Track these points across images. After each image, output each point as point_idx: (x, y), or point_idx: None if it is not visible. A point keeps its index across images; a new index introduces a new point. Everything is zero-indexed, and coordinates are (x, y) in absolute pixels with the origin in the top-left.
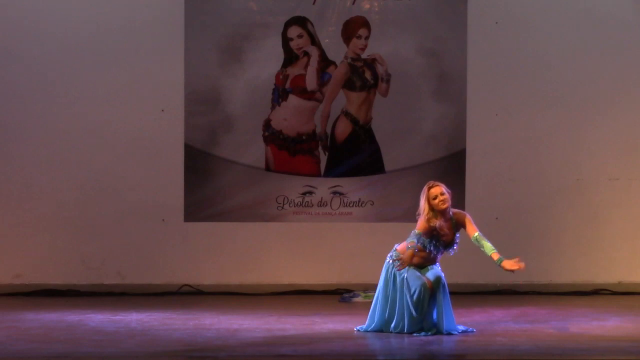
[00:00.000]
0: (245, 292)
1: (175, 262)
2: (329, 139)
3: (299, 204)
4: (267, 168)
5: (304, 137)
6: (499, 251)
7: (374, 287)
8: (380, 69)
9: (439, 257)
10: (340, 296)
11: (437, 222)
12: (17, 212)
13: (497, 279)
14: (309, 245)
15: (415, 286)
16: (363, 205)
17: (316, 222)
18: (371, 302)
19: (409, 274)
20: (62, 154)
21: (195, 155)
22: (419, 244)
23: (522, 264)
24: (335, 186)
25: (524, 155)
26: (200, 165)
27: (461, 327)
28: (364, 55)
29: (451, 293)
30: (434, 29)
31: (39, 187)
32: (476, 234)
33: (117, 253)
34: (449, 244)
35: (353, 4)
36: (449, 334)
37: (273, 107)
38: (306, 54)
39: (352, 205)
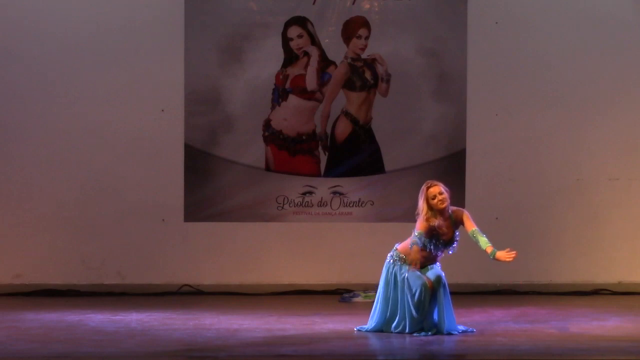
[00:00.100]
0: (245, 292)
1: (175, 262)
2: (329, 139)
3: (299, 204)
4: (267, 168)
5: (304, 137)
6: (499, 250)
7: (374, 287)
8: (380, 69)
9: (440, 256)
10: (340, 296)
11: (436, 221)
12: (17, 212)
13: (497, 279)
14: (309, 245)
15: (415, 286)
16: (363, 205)
17: (316, 222)
18: (371, 302)
19: (410, 274)
20: (62, 154)
21: (195, 155)
22: (418, 244)
23: (514, 253)
24: (335, 186)
25: (524, 155)
26: (200, 165)
27: (461, 327)
28: (364, 55)
29: (451, 293)
30: (434, 29)
31: (39, 187)
32: (473, 229)
33: (117, 253)
34: (449, 243)
35: (353, 4)
36: (449, 334)
37: (273, 107)
38: (306, 54)
39: (352, 205)
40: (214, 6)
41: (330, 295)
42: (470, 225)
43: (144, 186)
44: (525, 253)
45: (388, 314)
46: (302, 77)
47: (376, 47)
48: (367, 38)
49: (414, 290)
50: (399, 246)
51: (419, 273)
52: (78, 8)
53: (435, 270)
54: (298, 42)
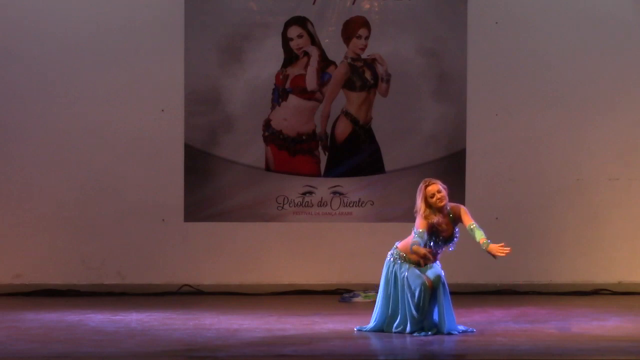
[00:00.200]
0: (245, 292)
1: (175, 262)
2: (329, 139)
3: (299, 204)
4: (267, 168)
5: (304, 137)
6: (504, 246)
7: (374, 287)
8: (380, 69)
9: (440, 253)
10: (340, 296)
11: (435, 219)
12: (17, 212)
13: (497, 279)
14: (309, 245)
15: (415, 285)
16: (363, 205)
17: (316, 222)
18: (371, 302)
19: (410, 273)
20: (62, 154)
21: (195, 155)
22: (420, 243)
23: (508, 249)
24: (335, 186)
25: (524, 155)
26: (200, 165)
27: (461, 327)
28: (364, 55)
29: (451, 293)
30: (434, 29)
31: (39, 187)
32: (471, 223)
33: (117, 253)
34: (448, 239)
35: (353, 4)
36: (450, 333)
37: (273, 107)
38: (306, 54)
39: (352, 205)
40: (214, 6)
41: (330, 295)
42: (468, 220)
43: (144, 186)
44: (525, 253)
45: (389, 313)
46: (302, 77)
47: (376, 47)
48: (367, 38)
49: (413, 289)
50: (399, 244)
51: (418, 272)
52: (78, 8)
53: (435, 269)
54: (298, 42)
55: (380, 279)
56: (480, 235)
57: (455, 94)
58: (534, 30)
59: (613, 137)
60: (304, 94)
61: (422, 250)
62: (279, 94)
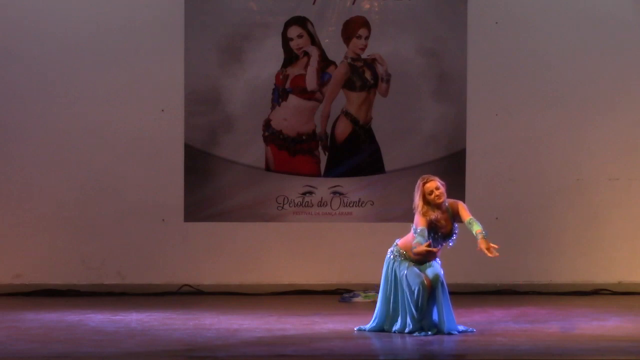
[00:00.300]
0: (245, 292)
1: (175, 262)
2: (329, 139)
3: (299, 204)
4: (267, 168)
5: (304, 137)
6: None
7: (374, 287)
8: (380, 69)
9: (439, 249)
10: (340, 296)
11: (433, 215)
12: (17, 212)
13: (497, 279)
14: (309, 245)
15: (414, 284)
16: (363, 205)
17: (316, 222)
18: (371, 302)
19: (409, 272)
20: (62, 154)
21: (195, 155)
22: (422, 242)
23: (492, 254)
24: (335, 186)
25: (524, 155)
26: (200, 165)
27: (461, 327)
28: (364, 55)
29: (451, 293)
30: (434, 29)
31: (39, 187)
32: (469, 218)
33: (117, 253)
34: (447, 236)
35: (353, 4)
36: (450, 334)
37: (273, 107)
38: (306, 54)
39: (352, 205)
40: (214, 6)
41: (330, 295)
42: (466, 215)
43: (144, 186)
44: (525, 253)
45: (389, 312)
46: (302, 77)
47: (376, 47)
48: (367, 38)
49: (413, 288)
50: (399, 241)
51: (417, 271)
52: (78, 8)
53: (435, 268)
54: (298, 42)
55: (380, 278)
56: (477, 228)
57: (455, 94)
58: (534, 30)
59: (613, 137)
60: (304, 94)
61: (423, 247)
62: (279, 94)
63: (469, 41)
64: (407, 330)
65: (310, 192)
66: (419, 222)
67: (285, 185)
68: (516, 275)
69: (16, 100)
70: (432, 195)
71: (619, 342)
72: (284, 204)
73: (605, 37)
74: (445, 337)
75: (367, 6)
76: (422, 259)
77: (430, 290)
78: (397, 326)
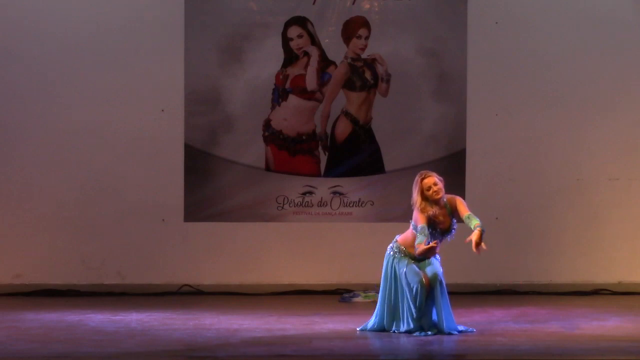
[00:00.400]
0: (245, 292)
1: (175, 262)
2: (329, 139)
3: (299, 204)
4: (267, 168)
5: (304, 137)
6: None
7: (374, 287)
8: (380, 69)
9: (439, 244)
10: (340, 296)
11: (432, 211)
12: (17, 212)
13: (497, 279)
14: (309, 245)
15: (413, 283)
16: (363, 205)
17: (316, 222)
18: (371, 302)
19: (408, 269)
20: (62, 154)
21: (195, 155)
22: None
23: (477, 251)
24: (335, 186)
25: (524, 155)
26: (200, 165)
27: (461, 327)
28: (364, 55)
29: (451, 293)
30: (434, 29)
31: (39, 187)
32: (467, 214)
33: (117, 253)
34: (446, 231)
35: (353, 4)
36: (450, 333)
37: (273, 107)
38: (306, 54)
39: (352, 205)
40: (214, 6)
41: (330, 295)
42: (464, 211)
43: (144, 186)
44: (525, 253)
45: (389, 310)
46: (302, 77)
47: (376, 47)
48: (367, 38)
49: (412, 287)
50: (399, 238)
51: (417, 269)
52: (78, 8)
53: (434, 266)
54: (298, 42)
55: (380, 278)
56: (475, 222)
57: (455, 94)
58: (534, 30)
59: (613, 137)
60: (304, 94)
61: (425, 247)
62: (279, 94)
63: (469, 41)
64: (406, 329)
65: (310, 192)
66: (418, 219)
67: (285, 185)
68: (516, 275)
69: (16, 100)
70: (430, 191)
71: (619, 342)
72: (284, 204)
73: (605, 37)
74: (445, 337)
75: (367, 6)
76: (422, 256)
77: (428, 289)
78: (396, 325)
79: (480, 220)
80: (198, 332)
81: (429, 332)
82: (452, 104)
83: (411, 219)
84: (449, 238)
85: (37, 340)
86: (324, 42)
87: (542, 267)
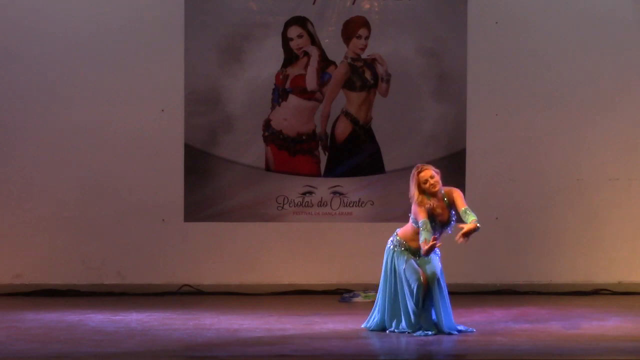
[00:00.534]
0: (245, 292)
1: (175, 262)
2: (329, 139)
3: (299, 204)
4: (267, 168)
5: (304, 137)
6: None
7: (374, 287)
8: (380, 69)
9: (439, 237)
10: (340, 296)
11: (429, 204)
12: (17, 212)
13: (497, 279)
14: (309, 245)
15: (412, 281)
16: (363, 205)
17: (316, 222)
18: (371, 302)
19: (407, 266)
20: (62, 154)
21: (195, 155)
22: (428, 232)
23: (459, 240)
24: (335, 186)
25: (524, 155)
26: (200, 165)
27: (461, 327)
28: (364, 55)
29: (451, 293)
30: (434, 29)
31: (39, 187)
32: (464, 208)
33: (117, 253)
34: (445, 223)
35: (353, 4)
36: (449, 333)
37: (273, 107)
38: (306, 54)
39: (352, 205)
40: (214, 6)
41: (330, 295)
42: (462, 205)
43: (144, 186)
44: (525, 253)
45: (390, 306)
46: (302, 77)
47: (376, 47)
48: (367, 38)
49: (411, 285)
50: (399, 231)
51: (416, 266)
52: (78, 8)
53: (433, 264)
54: (298, 42)
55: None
56: (472, 217)
57: (455, 94)
58: (534, 30)
59: (613, 137)
60: (304, 94)
61: (428, 247)
62: (279, 94)
63: (469, 41)
64: (406, 327)
65: (310, 192)
66: (418, 213)
67: (285, 185)
68: (516, 275)
69: (16, 100)
70: (427, 184)
71: (619, 342)
72: (284, 204)
73: (605, 37)
74: (445, 337)
75: (367, 6)
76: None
77: (426, 287)
78: (396, 323)
79: (477, 217)
80: (198, 332)
81: (429, 332)
82: (452, 104)
83: (410, 212)
84: (449, 230)
85: (37, 340)
86: (324, 42)
87: (542, 267)
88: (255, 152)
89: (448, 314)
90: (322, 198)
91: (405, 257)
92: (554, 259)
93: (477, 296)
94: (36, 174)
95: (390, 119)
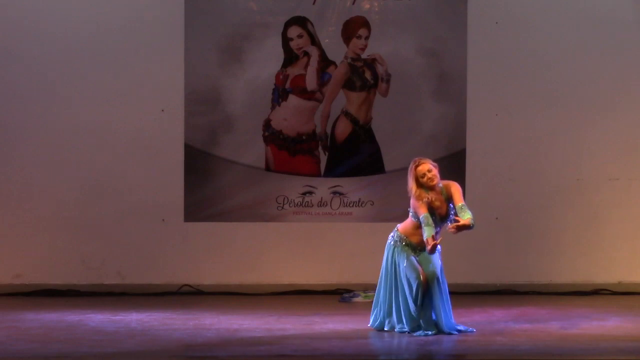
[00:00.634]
0: (245, 292)
1: (175, 262)
2: (329, 139)
3: (299, 204)
4: (267, 168)
5: (304, 137)
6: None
7: (374, 287)
8: (380, 69)
9: (438, 231)
10: (340, 296)
11: (427, 197)
12: (17, 212)
13: (497, 279)
14: (309, 245)
15: (412, 279)
16: (363, 205)
17: (316, 222)
18: (371, 302)
19: (408, 265)
20: (62, 154)
21: (195, 155)
22: (431, 227)
23: (452, 229)
24: (335, 186)
25: (524, 155)
26: (200, 165)
27: (461, 327)
28: (364, 55)
29: (451, 293)
30: (434, 29)
31: (39, 187)
32: (461, 204)
33: (117, 253)
34: (444, 217)
35: (353, 4)
36: (449, 333)
37: (273, 107)
38: (306, 54)
39: (352, 205)
40: (214, 6)
41: (330, 295)
42: (458, 200)
43: (144, 186)
44: (525, 253)
45: (390, 303)
46: (302, 77)
47: (376, 47)
48: (367, 38)
49: (411, 284)
50: (399, 226)
51: (416, 264)
52: (78, 8)
53: (433, 262)
54: (298, 42)
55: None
56: (467, 216)
57: (455, 94)
58: (534, 30)
59: (613, 137)
60: (304, 94)
61: (431, 245)
62: (279, 94)
63: (469, 41)
64: (405, 326)
65: (310, 192)
66: (417, 207)
67: (285, 185)
68: (516, 275)
69: (16, 100)
70: (425, 178)
71: (619, 342)
72: (284, 204)
73: (605, 37)
74: (445, 337)
75: (367, 6)
76: (423, 246)
77: (426, 287)
78: (397, 319)
79: (472, 215)
80: (198, 332)
81: (429, 332)
82: (452, 104)
83: (409, 207)
84: (448, 223)
85: (37, 340)
86: (324, 42)
87: (542, 267)
88: (255, 152)
89: (448, 313)
90: (322, 198)
91: (406, 255)
92: (554, 259)
93: (477, 296)
94: (36, 174)
95: (390, 119)
